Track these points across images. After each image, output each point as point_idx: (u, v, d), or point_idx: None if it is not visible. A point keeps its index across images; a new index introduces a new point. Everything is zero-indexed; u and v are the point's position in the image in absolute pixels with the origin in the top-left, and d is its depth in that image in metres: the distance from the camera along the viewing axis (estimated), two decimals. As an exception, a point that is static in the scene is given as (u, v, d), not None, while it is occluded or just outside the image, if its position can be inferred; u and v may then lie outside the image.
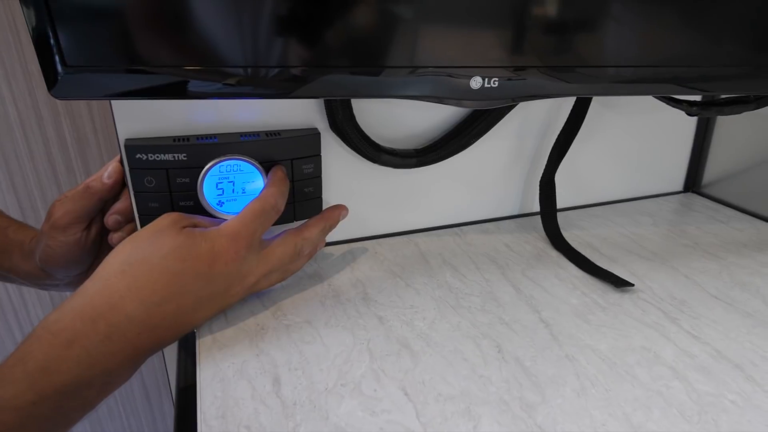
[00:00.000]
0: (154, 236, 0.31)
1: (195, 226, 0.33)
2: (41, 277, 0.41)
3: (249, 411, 0.27)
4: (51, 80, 0.29)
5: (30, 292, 0.94)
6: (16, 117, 0.84)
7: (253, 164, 0.37)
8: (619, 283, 0.40)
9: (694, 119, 0.57)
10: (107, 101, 0.35)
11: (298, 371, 0.30)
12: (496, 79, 0.33)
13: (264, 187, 0.36)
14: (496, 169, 0.50)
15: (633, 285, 0.40)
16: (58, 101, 0.84)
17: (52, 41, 0.27)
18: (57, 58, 0.28)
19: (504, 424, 0.27)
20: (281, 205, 0.35)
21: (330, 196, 0.44)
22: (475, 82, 0.33)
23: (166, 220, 0.32)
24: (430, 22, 0.31)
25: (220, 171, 0.37)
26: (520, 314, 0.37)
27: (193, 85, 0.30)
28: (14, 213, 0.89)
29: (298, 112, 0.40)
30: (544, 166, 0.49)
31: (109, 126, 0.88)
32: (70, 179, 0.89)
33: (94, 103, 0.86)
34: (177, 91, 0.30)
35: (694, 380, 0.31)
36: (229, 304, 0.34)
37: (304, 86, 0.31)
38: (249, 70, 0.30)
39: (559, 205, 0.49)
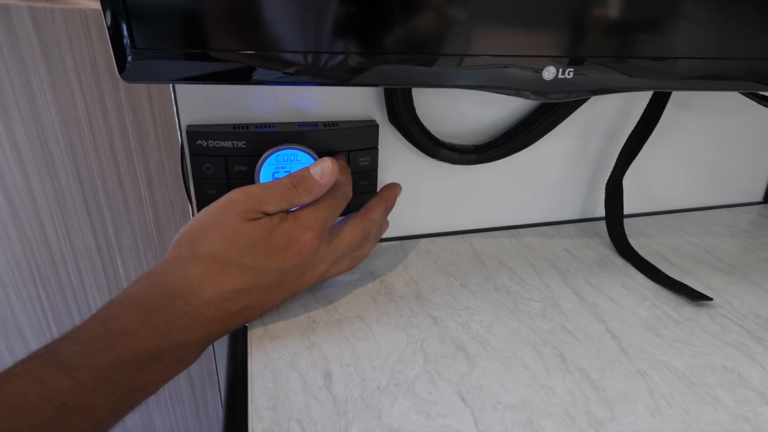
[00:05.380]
0: (226, 228, 0.30)
1: (263, 203, 0.31)
2: None
3: (300, 404, 0.27)
4: (121, 64, 0.29)
5: (88, 276, 0.99)
6: (84, 109, 0.88)
7: (310, 154, 0.36)
8: (695, 296, 0.36)
9: (778, 124, 0.52)
10: (169, 91, 0.36)
11: (350, 367, 0.29)
12: (571, 70, 0.31)
13: None
14: (556, 170, 0.48)
15: (711, 299, 0.36)
16: (122, 94, 0.88)
17: (123, 26, 0.28)
18: (127, 42, 0.28)
19: (570, 440, 0.25)
20: (350, 192, 0.35)
21: (384, 191, 0.43)
22: (548, 73, 0.31)
23: (235, 209, 0.30)
24: (498, 11, 0.30)
25: (277, 160, 0.36)
26: (584, 323, 0.34)
27: (254, 71, 0.30)
28: (78, 203, 0.93)
29: (356, 103, 0.39)
30: (608, 170, 0.46)
31: (167, 118, 0.90)
32: (129, 169, 0.93)
33: (155, 95, 0.89)
34: (238, 76, 0.30)
35: (787, 407, 0.27)
36: (298, 291, 0.34)
37: (362, 74, 0.30)
38: (309, 56, 0.30)
39: (624, 211, 0.46)
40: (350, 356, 0.30)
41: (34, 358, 0.25)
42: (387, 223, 0.40)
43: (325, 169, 0.32)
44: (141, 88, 0.88)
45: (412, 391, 0.28)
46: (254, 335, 0.32)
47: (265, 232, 0.30)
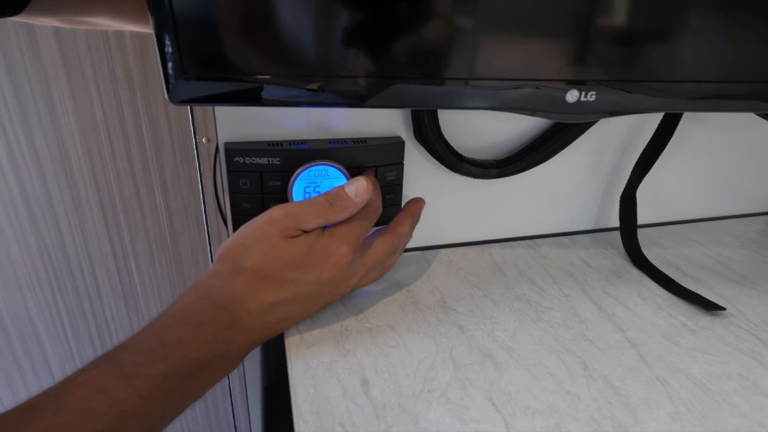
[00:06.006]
0: (267, 244, 0.31)
1: (301, 221, 0.32)
2: None
3: (341, 409, 0.28)
4: (168, 87, 0.31)
5: (104, 282, 1.00)
6: (102, 117, 0.89)
7: (340, 170, 0.38)
8: (709, 306, 0.38)
9: (786, 137, 0.54)
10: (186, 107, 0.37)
11: (385, 374, 0.31)
12: (593, 92, 0.32)
13: None
14: (572, 182, 0.49)
15: (725, 309, 0.38)
16: (139, 103, 0.89)
17: (172, 52, 0.29)
18: (173, 67, 0.30)
19: (597, 444, 0.27)
20: (380, 208, 0.37)
21: (408, 204, 0.44)
22: (571, 96, 0.32)
23: (275, 226, 0.32)
24: (518, 34, 0.31)
25: (309, 176, 0.38)
26: (604, 332, 0.36)
27: (279, 92, 0.31)
28: (95, 209, 0.95)
29: (383, 121, 0.41)
30: (621, 182, 0.48)
31: (183, 128, 0.92)
32: (146, 177, 0.94)
33: (171, 105, 0.90)
34: (268, 98, 0.31)
35: (800, 414, 0.29)
36: (332, 301, 0.36)
37: (376, 96, 0.31)
38: (329, 80, 0.31)
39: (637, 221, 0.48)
40: (384, 363, 0.32)
41: (93, 368, 0.27)
42: (411, 235, 0.41)
43: (359, 188, 0.34)
44: (157, 96, 0.90)
45: (445, 397, 0.29)
46: (291, 343, 0.34)
47: (304, 249, 0.32)
